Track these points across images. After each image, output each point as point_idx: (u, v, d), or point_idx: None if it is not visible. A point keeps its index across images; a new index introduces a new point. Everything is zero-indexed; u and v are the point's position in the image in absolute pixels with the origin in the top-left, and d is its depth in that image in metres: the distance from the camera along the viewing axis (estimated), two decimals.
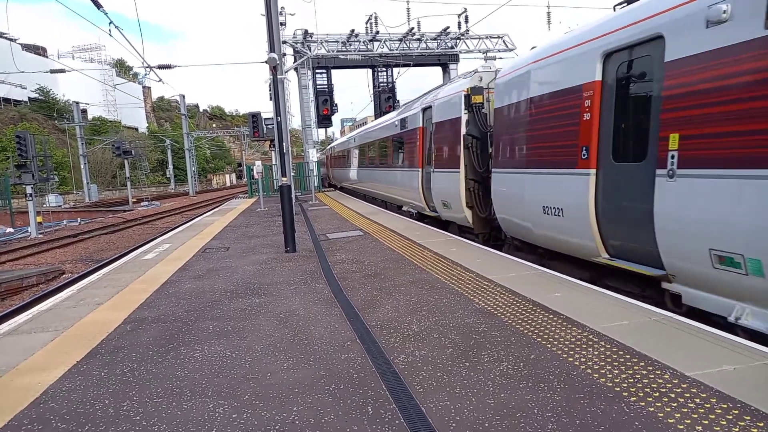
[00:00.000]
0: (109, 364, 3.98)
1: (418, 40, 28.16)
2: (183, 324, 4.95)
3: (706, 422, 2.65)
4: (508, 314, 4.63)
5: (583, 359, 3.53)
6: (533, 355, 3.68)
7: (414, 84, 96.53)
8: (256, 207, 19.08)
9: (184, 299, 5.92)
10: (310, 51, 26.45)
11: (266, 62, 9.76)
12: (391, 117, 16.77)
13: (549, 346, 3.82)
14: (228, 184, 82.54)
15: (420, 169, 12.47)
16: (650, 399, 2.93)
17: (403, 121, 14.32)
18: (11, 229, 24.21)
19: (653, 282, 5.26)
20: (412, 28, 27.55)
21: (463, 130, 9.62)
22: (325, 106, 27.84)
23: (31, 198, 21.55)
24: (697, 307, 4.71)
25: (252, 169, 23.59)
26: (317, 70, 28.10)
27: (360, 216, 13.91)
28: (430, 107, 11.78)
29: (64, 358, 4.14)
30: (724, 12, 4.16)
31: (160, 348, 4.30)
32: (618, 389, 3.07)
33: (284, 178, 9.38)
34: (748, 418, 2.67)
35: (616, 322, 4.21)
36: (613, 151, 5.65)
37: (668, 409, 2.80)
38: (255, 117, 17.46)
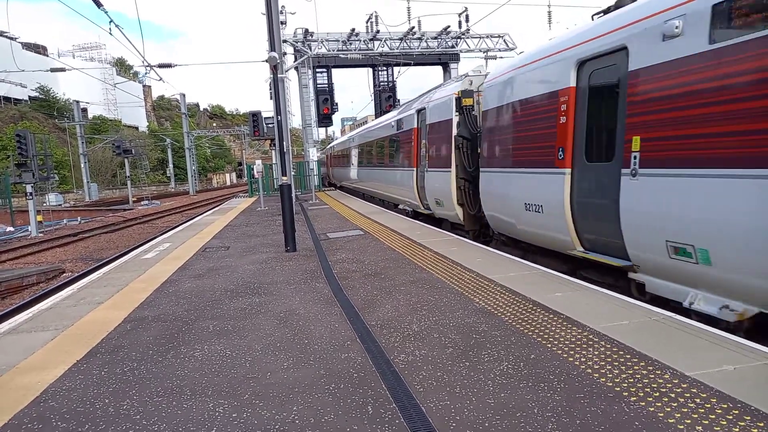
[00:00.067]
0: (110, 363, 3.98)
1: (419, 39, 28.17)
2: (183, 323, 4.95)
3: (707, 422, 2.65)
4: (509, 314, 4.63)
5: (583, 359, 3.54)
6: (533, 354, 3.68)
7: (414, 83, 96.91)
8: (257, 206, 19.09)
9: (184, 298, 5.92)
10: (311, 50, 26.45)
11: (267, 61, 9.75)
12: (389, 117, 16.97)
13: (549, 345, 3.82)
14: (228, 183, 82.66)
15: (415, 169, 12.74)
16: (650, 399, 2.93)
17: (399, 122, 14.63)
18: (11, 228, 24.19)
19: (624, 273, 5.57)
20: (413, 27, 27.55)
21: (455, 132, 9.90)
22: (325, 105, 27.85)
23: (31, 197, 21.57)
24: (658, 294, 5.10)
25: (252, 168, 23.60)
26: (318, 69, 28.11)
27: (360, 215, 13.92)
28: (424, 109, 12.09)
29: (65, 357, 4.15)
30: (677, 27, 4.55)
31: (160, 347, 4.30)
32: (618, 389, 3.07)
33: (284, 177, 9.38)
34: (749, 418, 2.67)
35: (616, 322, 4.21)
36: (586, 152, 6.07)
37: (668, 409, 2.80)
38: (255, 116, 17.43)
